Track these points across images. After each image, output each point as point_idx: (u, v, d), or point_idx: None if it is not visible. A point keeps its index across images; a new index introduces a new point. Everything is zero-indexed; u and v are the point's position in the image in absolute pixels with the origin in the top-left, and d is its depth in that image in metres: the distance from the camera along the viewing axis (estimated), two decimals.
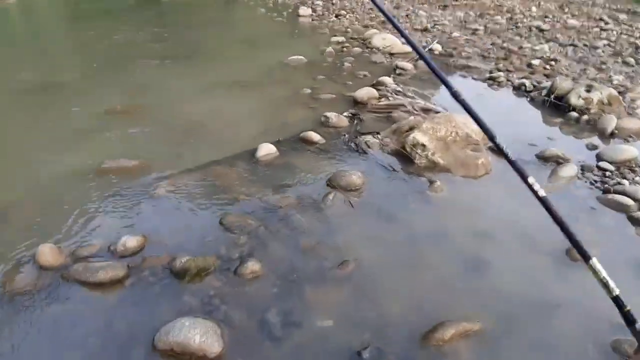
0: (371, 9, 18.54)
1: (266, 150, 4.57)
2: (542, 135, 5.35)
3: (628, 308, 1.11)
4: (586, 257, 1.17)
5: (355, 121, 5.41)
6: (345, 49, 9.75)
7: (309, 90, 6.58)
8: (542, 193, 1.32)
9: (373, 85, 6.70)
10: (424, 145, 4.46)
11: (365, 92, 6.07)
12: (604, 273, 1.13)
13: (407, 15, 15.57)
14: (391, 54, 9.24)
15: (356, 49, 9.63)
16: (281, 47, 10.53)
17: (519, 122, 5.79)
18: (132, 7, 18.51)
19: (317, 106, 5.97)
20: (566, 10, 15.91)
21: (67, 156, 4.67)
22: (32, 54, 10.30)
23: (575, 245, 1.24)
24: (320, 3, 21.04)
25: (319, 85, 6.91)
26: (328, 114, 5.33)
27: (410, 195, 4.00)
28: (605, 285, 1.14)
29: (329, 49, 9.41)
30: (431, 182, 4.10)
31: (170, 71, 7.93)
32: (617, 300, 1.11)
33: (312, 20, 15.36)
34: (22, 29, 16.03)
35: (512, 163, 1.51)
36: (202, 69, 8.11)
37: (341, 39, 10.71)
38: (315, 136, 4.87)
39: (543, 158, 4.71)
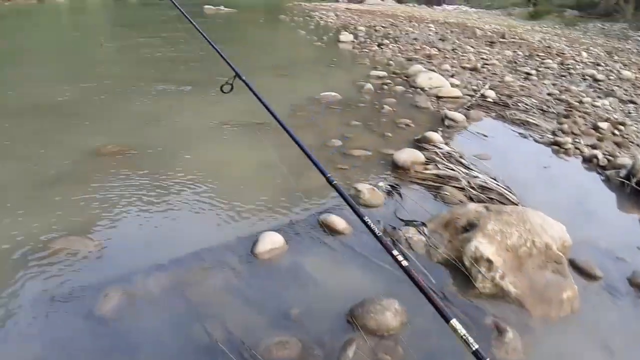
0: (415, 38, 17.16)
1: (269, 242, 3.13)
2: (631, 243, 3.75)
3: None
4: (446, 319, 1.17)
5: (394, 198, 3.96)
6: (386, 86, 8.32)
7: (339, 142, 5.14)
8: (405, 263, 1.28)
9: (417, 143, 5.26)
10: (489, 261, 2.98)
11: (408, 156, 4.60)
12: (463, 331, 1.15)
13: (453, 50, 14.08)
14: (438, 97, 7.76)
15: (399, 87, 8.17)
16: (315, 78, 9.17)
17: (596, 215, 4.21)
18: (174, 18, 17.61)
19: (347, 168, 4.53)
20: (615, 58, 14.17)
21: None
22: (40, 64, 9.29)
23: (436, 308, 1.22)
24: (363, 29, 19.72)
25: (353, 134, 5.47)
26: (360, 186, 3.87)
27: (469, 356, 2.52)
28: (465, 341, 1.14)
29: (368, 85, 7.99)
30: (500, 331, 2.60)
31: (183, 101, 6.63)
32: (477, 354, 1.12)
33: (353, 47, 13.98)
34: (56, 29, 15.25)
35: (378, 238, 1.43)
36: (218, 100, 6.81)
37: (382, 73, 9.29)
38: (339, 222, 3.41)
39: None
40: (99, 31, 15.44)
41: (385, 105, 6.80)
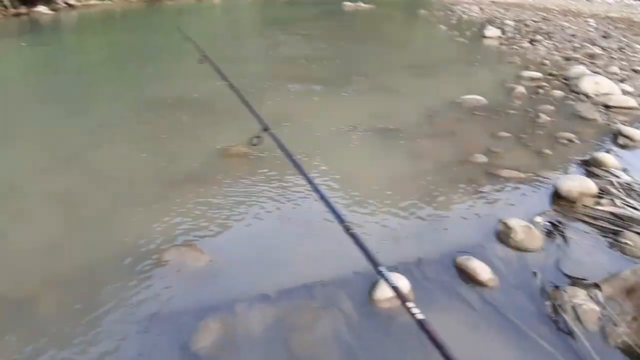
0: (573, 35, 15.04)
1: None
2: None
3: None
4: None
5: (556, 241, 3.08)
6: (541, 89, 7.12)
7: (483, 158, 4.32)
8: (420, 316, 1.10)
9: (585, 166, 4.22)
10: None
11: (574, 184, 3.61)
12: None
13: (620, 49, 11.94)
14: (607, 107, 6.39)
15: (557, 92, 6.93)
16: (457, 78, 8.24)
17: None
18: (315, 15, 17.62)
19: (493, 192, 3.72)
20: None
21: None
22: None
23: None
24: (511, 23, 17.86)
25: (501, 149, 4.59)
26: (511, 222, 3.06)
27: None
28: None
29: (520, 88, 6.89)
30: None
31: (314, 101, 6.27)
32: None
33: (500, 44, 12.58)
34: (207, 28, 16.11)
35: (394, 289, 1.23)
36: (350, 101, 6.31)
37: (536, 74, 8.03)
38: (482, 270, 2.67)
39: None
40: (244, 29, 16.05)
41: (541, 114, 5.71)
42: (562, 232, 3.12)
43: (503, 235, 3.01)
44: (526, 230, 3.02)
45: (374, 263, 1.34)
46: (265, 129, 2.20)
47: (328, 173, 4.02)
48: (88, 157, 4.45)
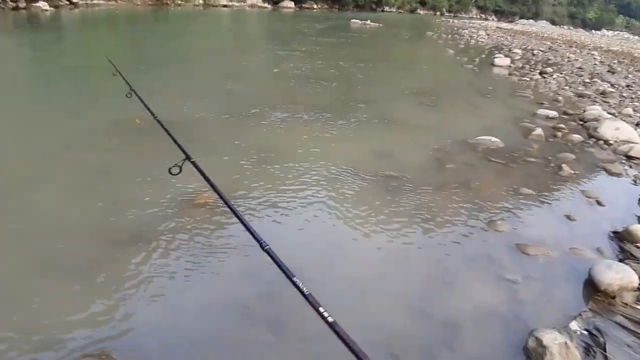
0: (580, 67, 14.43)
1: None
2: None
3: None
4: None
5: (596, 358, 2.31)
6: (559, 132, 6.40)
7: (505, 226, 3.50)
8: (330, 319, 1.19)
9: (618, 240, 3.48)
10: None
11: (615, 277, 2.82)
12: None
13: (628, 86, 11.32)
14: (628, 157, 5.68)
15: (575, 136, 6.19)
16: (468, 110, 7.52)
17: None
18: (320, 31, 16.94)
19: (519, 280, 2.93)
20: None
21: None
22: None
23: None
24: (519, 52, 17.29)
25: (524, 213, 3.77)
26: (544, 337, 2.26)
27: None
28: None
29: (537, 129, 6.15)
30: None
31: (302, 131, 5.42)
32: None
33: (510, 73, 11.92)
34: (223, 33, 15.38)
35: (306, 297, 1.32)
36: (347, 134, 5.48)
37: (552, 112, 7.31)
38: None
39: None
40: (244, 40, 15.34)
41: (563, 164, 4.97)
42: (603, 347, 2.35)
43: (535, 356, 2.24)
44: (563, 350, 2.24)
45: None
46: (188, 159, 1.98)
47: (306, 241, 3.24)
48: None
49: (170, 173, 1.92)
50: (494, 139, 5.54)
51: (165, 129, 2.32)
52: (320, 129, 5.60)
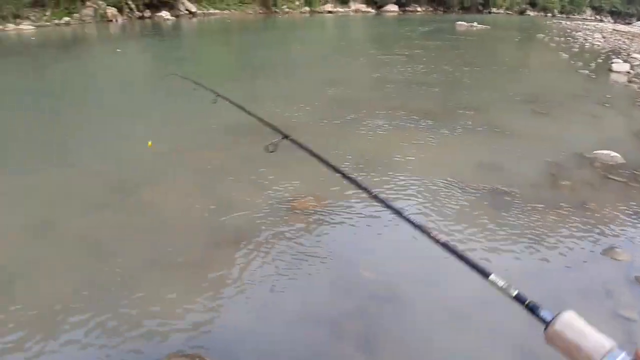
0: None
1: None
2: None
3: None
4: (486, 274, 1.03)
5: None
6: None
7: (620, 254, 3.07)
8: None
9: None
10: None
11: None
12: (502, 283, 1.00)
13: None
14: None
15: None
16: (584, 121, 6.80)
17: None
18: (424, 35, 16.55)
19: (634, 321, 2.53)
20: None
21: None
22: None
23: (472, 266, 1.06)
24: (639, 57, 15.45)
25: None
26: None
27: None
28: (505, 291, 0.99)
29: None
30: None
31: (404, 138, 5.24)
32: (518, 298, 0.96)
33: (629, 80, 10.64)
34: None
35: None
36: (452, 143, 5.19)
37: None
38: None
39: None
40: (345, 45, 15.41)
41: None
42: None
43: None
44: None
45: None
46: (285, 137, 1.84)
47: (401, 257, 3.07)
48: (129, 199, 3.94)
49: (268, 151, 1.82)
50: (613, 153, 4.92)
51: (257, 116, 2.25)
52: (421, 136, 5.38)
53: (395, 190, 3.89)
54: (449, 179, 4.10)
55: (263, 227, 3.24)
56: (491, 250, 3.07)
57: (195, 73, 9.52)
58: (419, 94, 7.63)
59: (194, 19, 26.31)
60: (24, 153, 5.14)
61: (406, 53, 11.72)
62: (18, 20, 21.26)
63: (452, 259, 1.10)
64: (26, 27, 20.99)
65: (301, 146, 1.70)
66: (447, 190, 3.91)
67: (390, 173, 4.22)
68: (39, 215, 3.60)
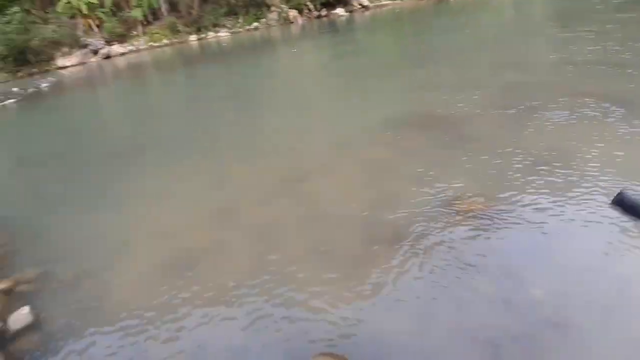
0: None
1: None
2: None
3: None
4: None
5: None
6: None
7: None
8: None
9: None
10: None
11: None
12: None
13: None
14: None
15: None
16: None
17: None
18: (616, 6, 14.00)
19: None
20: None
21: None
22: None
23: None
24: None
25: None
26: None
27: None
28: None
29: None
30: None
31: (583, 130, 4.32)
32: None
33: None
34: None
35: None
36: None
37: None
38: None
39: None
40: (525, 24, 13.82)
41: None
42: None
43: None
44: None
45: None
46: None
47: (581, 269, 2.53)
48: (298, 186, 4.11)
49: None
50: None
51: None
52: (613, 127, 4.47)
53: (580, 190, 3.27)
54: None
55: (423, 229, 3.08)
56: None
57: (360, 65, 9.64)
58: (610, 77, 6.39)
59: (367, 12, 26.72)
60: (215, 145, 5.89)
61: (593, 29, 9.99)
62: (217, 29, 24.36)
63: None
64: (223, 34, 23.94)
65: None
66: None
67: (575, 170, 3.57)
68: (222, 203, 4.06)
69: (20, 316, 2.96)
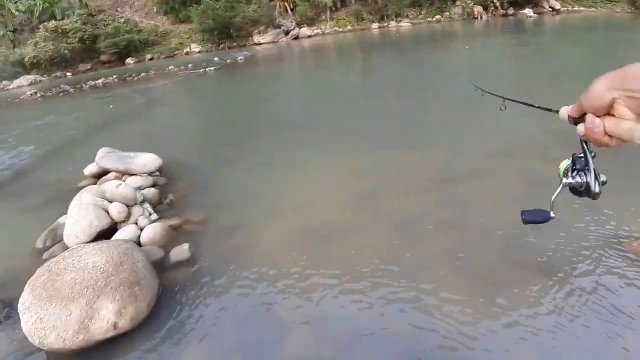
0: None
1: None
2: None
3: None
4: None
5: None
6: None
7: None
8: None
9: None
10: None
11: None
12: None
13: None
14: None
15: None
16: None
17: None
18: None
19: None
20: None
21: None
22: None
23: None
24: None
25: None
26: None
27: None
28: None
29: None
30: None
31: None
32: None
33: None
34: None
35: None
36: None
37: None
38: None
39: None
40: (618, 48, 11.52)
41: None
42: None
43: None
44: None
45: None
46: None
47: None
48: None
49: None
50: None
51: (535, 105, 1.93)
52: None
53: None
54: None
55: (579, 264, 2.71)
56: None
57: (537, 70, 9.01)
58: None
59: (557, 16, 25.16)
60: (375, 130, 6.04)
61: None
62: (399, 19, 25.32)
63: None
64: (405, 24, 24.79)
65: None
66: None
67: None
68: (367, 187, 4.14)
69: (181, 250, 3.34)
